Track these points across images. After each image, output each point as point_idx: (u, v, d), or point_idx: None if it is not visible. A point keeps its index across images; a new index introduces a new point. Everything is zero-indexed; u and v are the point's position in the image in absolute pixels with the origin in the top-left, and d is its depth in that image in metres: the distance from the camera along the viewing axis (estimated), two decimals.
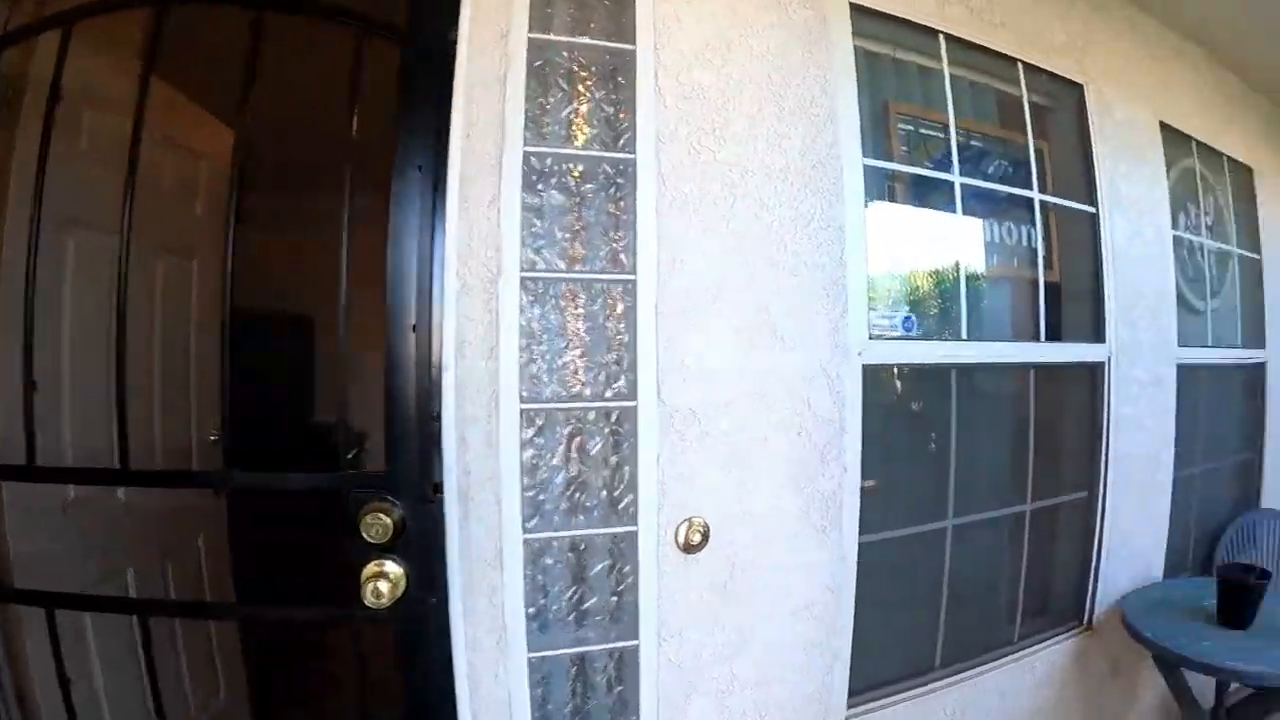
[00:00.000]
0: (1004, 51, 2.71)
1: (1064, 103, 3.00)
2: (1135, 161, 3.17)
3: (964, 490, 2.56)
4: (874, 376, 2.27)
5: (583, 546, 1.86)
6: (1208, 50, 3.84)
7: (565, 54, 1.87)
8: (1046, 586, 3.00)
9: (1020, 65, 2.76)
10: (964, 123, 2.63)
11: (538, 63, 1.82)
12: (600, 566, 1.87)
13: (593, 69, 1.89)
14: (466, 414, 1.73)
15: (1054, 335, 2.86)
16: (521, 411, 1.75)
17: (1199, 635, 2.62)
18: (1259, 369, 4.19)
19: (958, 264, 2.54)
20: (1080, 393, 2.99)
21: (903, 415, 2.57)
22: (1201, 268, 3.73)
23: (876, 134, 2.42)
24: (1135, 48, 3.33)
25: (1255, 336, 4.19)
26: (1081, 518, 2.99)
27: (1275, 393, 4.24)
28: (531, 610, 1.80)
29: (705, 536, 1.94)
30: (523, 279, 1.77)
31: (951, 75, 2.56)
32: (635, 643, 1.88)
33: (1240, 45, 3.84)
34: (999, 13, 2.69)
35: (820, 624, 2.16)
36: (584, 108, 1.89)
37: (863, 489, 2.18)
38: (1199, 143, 3.76)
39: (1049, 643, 2.84)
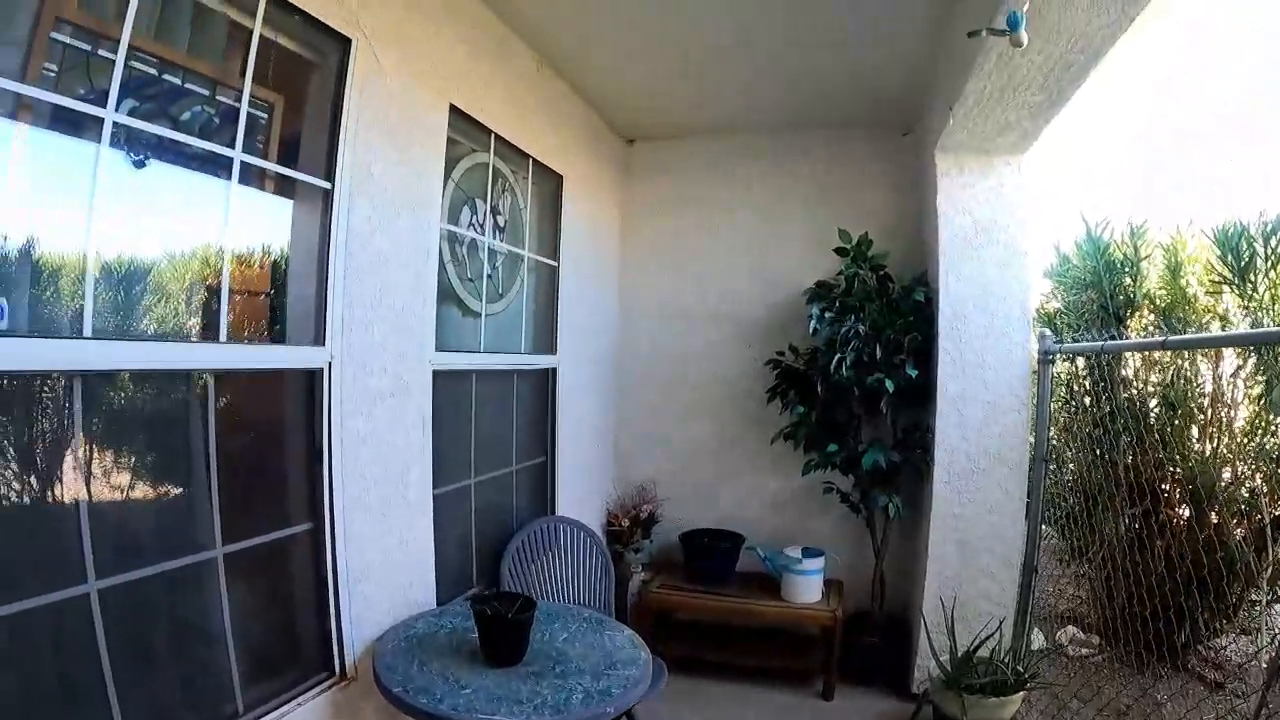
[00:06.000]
0: None
1: (325, 56, 2.69)
2: (404, 142, 3.02)
3: (115, 540, 2.03)
4: None
5: None
6: (538, 51, 4.02)
7: None
8: (277, 641, 2.64)
9: None
10: (166, 50, 2.11)
11: None
12: None
13: None
14: None
15: (253, 334, 2.50)
16: None
17: (460, 683, 2.47)
18: (548, 374, 4.54)
19: (89, 231, 1.93)
20: (293, 406, 2.69)
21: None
22: (484, 267, 3.82)
23: (15, 41, 1.76)
24: (446, 22, 3.24)
25: (546, 341, 4.52)
26: (309, 552, 2.69)
27: (568, 397, 4.68)
28: None
29: None
30: None
31: None
32: None
33: (577, 60, 4.14)
34: None
35: None
36: None
37: None
38: (503, 139, 3.85)
39: (291, 705, 2.49)
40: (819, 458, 4.62)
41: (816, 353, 4.66)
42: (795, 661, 4.70)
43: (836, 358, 4.36)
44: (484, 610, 2.67)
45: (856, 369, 4.35)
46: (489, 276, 3.84)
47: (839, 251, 4.66)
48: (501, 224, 3.95)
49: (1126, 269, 4.89)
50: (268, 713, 2.42)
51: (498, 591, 3.46)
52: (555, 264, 4.56)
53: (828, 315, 4.56)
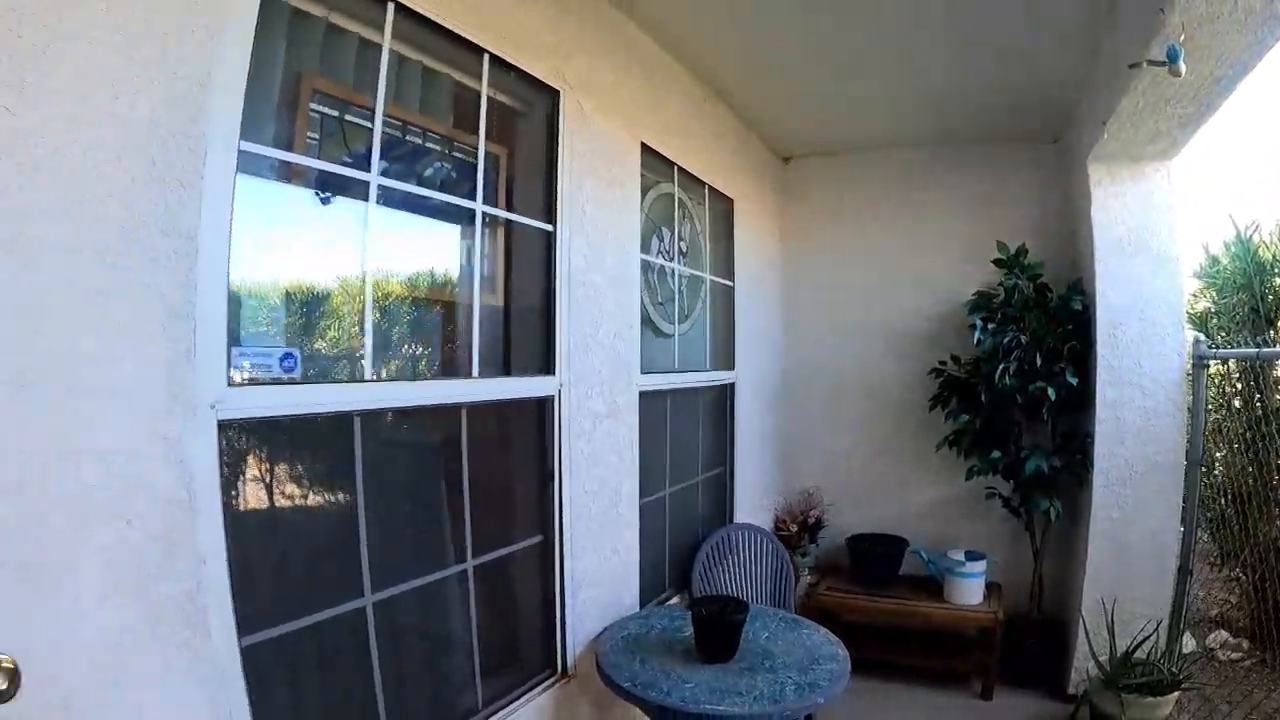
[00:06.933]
0: (470, 39, 2.41)
1: (536, 108, 2.85)
2: (608, 182, 3.15)
3: (385, 559, 2.21)
4: (243, 434, 1.83)
5: None
6: (702, 80, 4.06)
7: None
8: (511, 642, 2.86)
9: (487, 57, 2.50)
10: (407, 114, 2.30)
11: None
12: None
13: None
14: None
15: (495, 368, 2.67)
16: None
17: (681, 677, 2.60)
18: (727, 389, 4.60)
19: (365, 285, 2.15)
20: (527, 431, 2.88)
21: (291, 477, 2.13)
22: (672, 291, 3.93)
23: (280, 114, 1.96)
24: (628, 64, 3.34)
25: (726, 358, 4.58)
26: (539, 562, 2.89)
27: (744, 410, 4.74)
28: None
29: (15, 680, 1.31)
30: None
31: (400, 56, 2.23)
32: None
33: (736, 83, 4.14)
34: None
35: None
36: None
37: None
38: (683, 169, 3.95)
39: (522, 700, 2.70)
40: (982, 464, 4.54)
41: (979, 362, 4.58)
42: (954, 662, 4.63)
43: (1000, 366, 4.30)
44: (700, 611, 2.79)
45: (1018, 377, 4.29)
46: (675, 300, 3.94)
47: (997, 263, 4.56)
48: (684, 249, 4.04)
49: (1277, 270, 4.71)
50: (502, 708, 2.61)
51: (710, 596, 3.57)
52: (731, 284, 4.62)
53: (990, 325, 4.48)
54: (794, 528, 5.04)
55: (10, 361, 1.34)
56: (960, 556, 4.54)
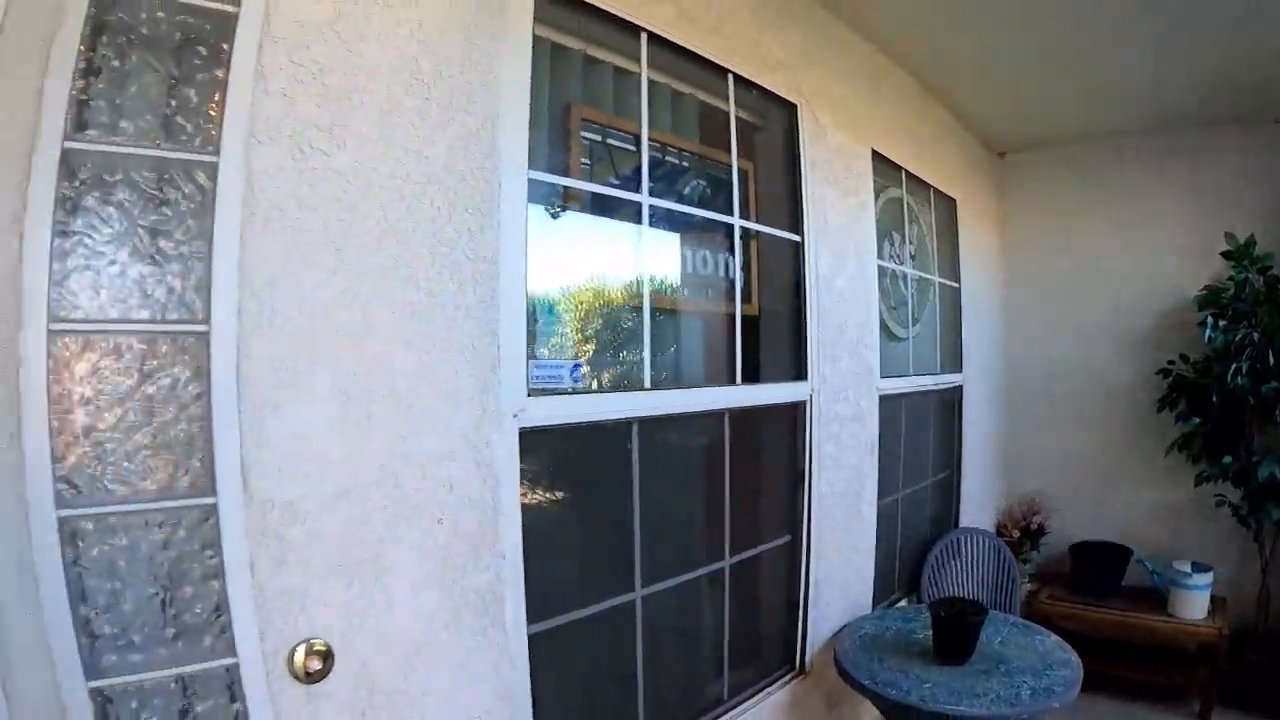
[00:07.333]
0: (714, 60, 2.39)
1: (774, 122, 2.76)
2: (844, 190, 3.02)
3: (653, 556, 2.22)
4: (535, 440, 1.86)
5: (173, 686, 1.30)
6: (920, 82, 3.83)
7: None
8: (755, 638, 2.81)
9: (731, 77, 2.46)
10: (662, 135, 2.29)
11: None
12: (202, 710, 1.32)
13: (166, 33, 1.29)
14: None
15: (753, 375, 2.62)
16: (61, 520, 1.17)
17: (919, 677, 2.50)
18: (955, 391, 4.33)
19: (641, 300, 2.17)
20: (780, 434, 2.82)
21: (574, 479, 2.18)
22: (904, 295, 3.72)
23: (554, 143, 2.00)
24: (852, 73, 3.19)
25: (953, 359, 4.31)
26: (786, 562, 2.83)
27: (971, 412, 4.44)
28: None
29: (329, 661, 1.42)
30: (52, 331, 1.16)
31: (651, 81, 2.21)
32: None
33: (953, 81, 3.89)
34: (713, 17, 2.37)
35: None
36: (151, 88, 1.29)
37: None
38: (908, 172, 3.74)
39: (762, 695, 2.66)
40: (1211, 469, 4.01)
41: (1209, 361, 4.03)
42: (1171, 678, 4.10)
43: (1232, 366, 3.78)
44: (940, 613, 2.67)
45: (1250, 377, 3.76)
46: (908, 303, 3.76)
47: (1226, 255, 3.99)
48: (912, 253, 3.83)
49: None
50: (743, 700, 2.58)
51: (948, 598, 3.41)
52: (956, 285, 4.33)
53: (1220, 323, 3.94)
54: (1015, 533, 4.65)
55: (339, 379, 1.43)
56: (1186, 568, 4.03)
